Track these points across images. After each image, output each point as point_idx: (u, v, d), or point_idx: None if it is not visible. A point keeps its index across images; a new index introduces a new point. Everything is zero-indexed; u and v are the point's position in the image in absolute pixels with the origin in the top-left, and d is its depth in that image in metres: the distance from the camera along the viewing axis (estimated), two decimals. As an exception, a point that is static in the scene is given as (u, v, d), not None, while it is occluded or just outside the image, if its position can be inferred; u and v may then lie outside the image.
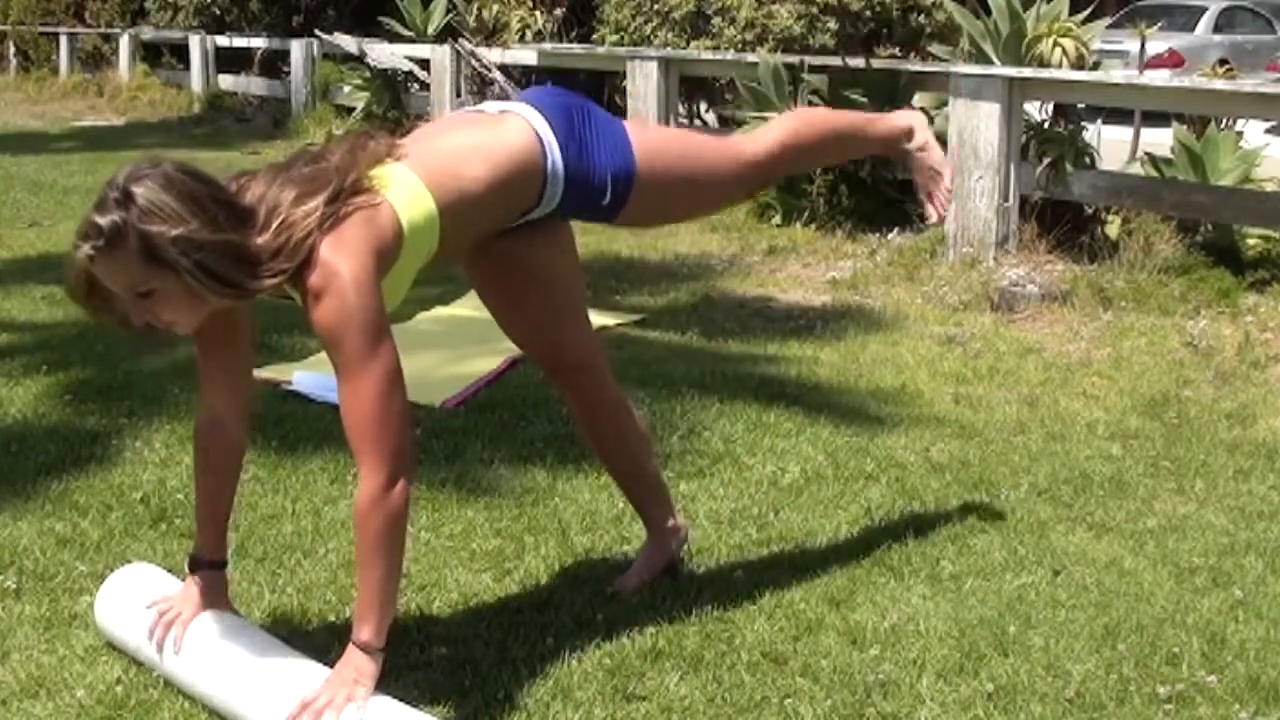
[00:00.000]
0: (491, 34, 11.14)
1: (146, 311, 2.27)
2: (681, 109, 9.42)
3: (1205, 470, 3.88)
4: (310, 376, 4.47)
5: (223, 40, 15.53)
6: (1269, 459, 3.99)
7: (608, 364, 2.97)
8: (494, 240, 2.70)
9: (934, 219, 3.10)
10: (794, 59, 7.82)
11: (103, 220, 2.19)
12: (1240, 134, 7.05)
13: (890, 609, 2.92)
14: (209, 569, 2.59)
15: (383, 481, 2.27)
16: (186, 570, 2.63)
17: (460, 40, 11.11)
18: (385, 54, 11.84)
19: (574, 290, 2.87)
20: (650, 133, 2.98)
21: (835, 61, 7.73)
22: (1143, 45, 10.09)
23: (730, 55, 8.56)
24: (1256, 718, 2.53)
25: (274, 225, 2.26)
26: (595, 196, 2.65)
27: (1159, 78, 9.28)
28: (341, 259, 2.26)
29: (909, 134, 3.06)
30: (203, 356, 2.51)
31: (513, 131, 2.57)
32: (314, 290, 2.26)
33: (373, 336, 2.26)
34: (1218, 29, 17.67)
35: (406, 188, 2.40)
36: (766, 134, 2.92)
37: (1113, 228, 6.74)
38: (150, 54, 17.56)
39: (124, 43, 17.59)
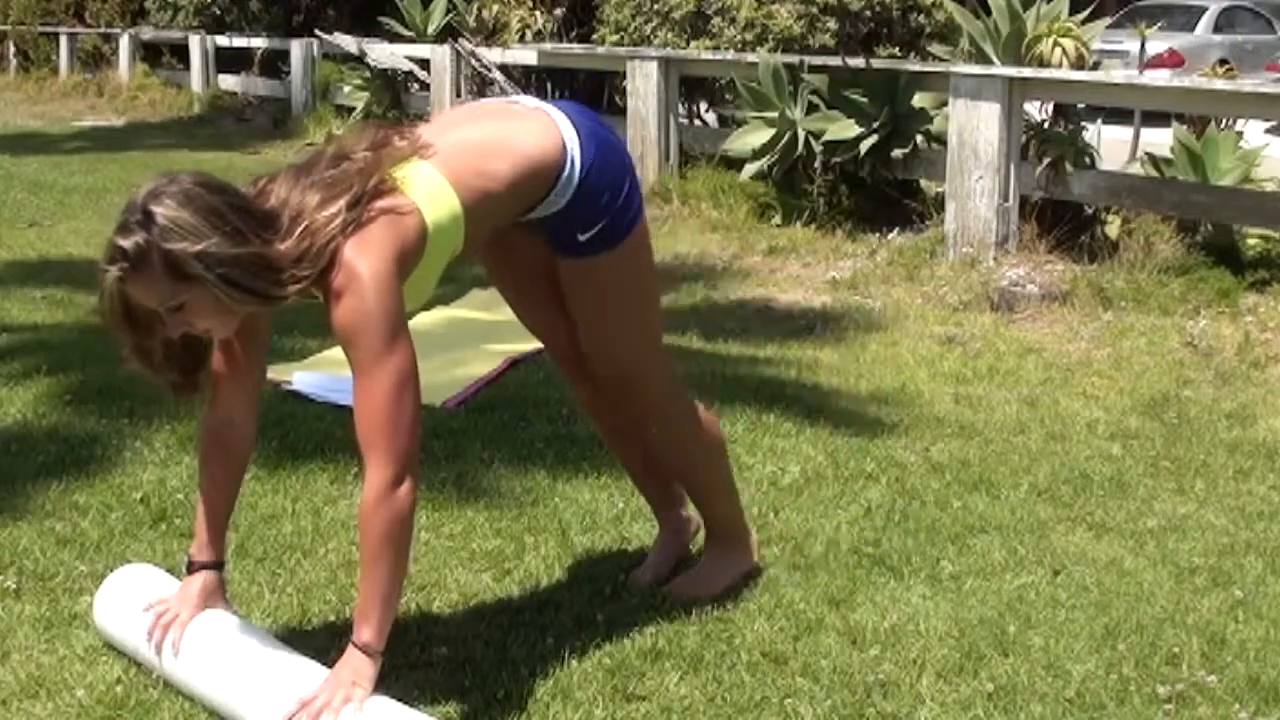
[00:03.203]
0: (491, 34, 11.13)
1: (182, 323, 2.29)
2: (681, 109, 9.41)
3: (1205, 470, 3.88)
4: (310, 376, 4.47)
5: (223, 40, 15.53)
6: (1269, 459, 3.99)
7: None
8: (508, 234, 2.69)
9: None
10: (794, 59, 7.81)
11: (125, 243, 2.21)
12: (1240, 134, 7.05)
13: (890, 609, 2.92)
14: (207, 569, 2.59)
15: (389, 480, 2.28)
16: (184, 571, 2.64)
17: (460, 40, 11.11)
18: (385, 54, 11.84)
19: None
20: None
21: (835, 61, 7.73)
22: (1143, 45, 10.10)
23: (730, 55, 8.56)
24: (1256, 718, 2.53)
25: (297, 232, 2.28)
26: (580, 224, 2.62)
27: (1159, 78, 9.30)
28: (363, 260, 2.27)
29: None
30: (222, 357, 2.51)
31: (540, 131, 2.55)
32: (336, 290, 2.28)
33: (389, 336, 2.27)
34: (1218, 29, 17.65)
35: (431, 187, 2.39)
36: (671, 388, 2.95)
37: (1113, 228, 6.73)
38: (150, 54, 17.55)
39: (124, 43, 17.58)
